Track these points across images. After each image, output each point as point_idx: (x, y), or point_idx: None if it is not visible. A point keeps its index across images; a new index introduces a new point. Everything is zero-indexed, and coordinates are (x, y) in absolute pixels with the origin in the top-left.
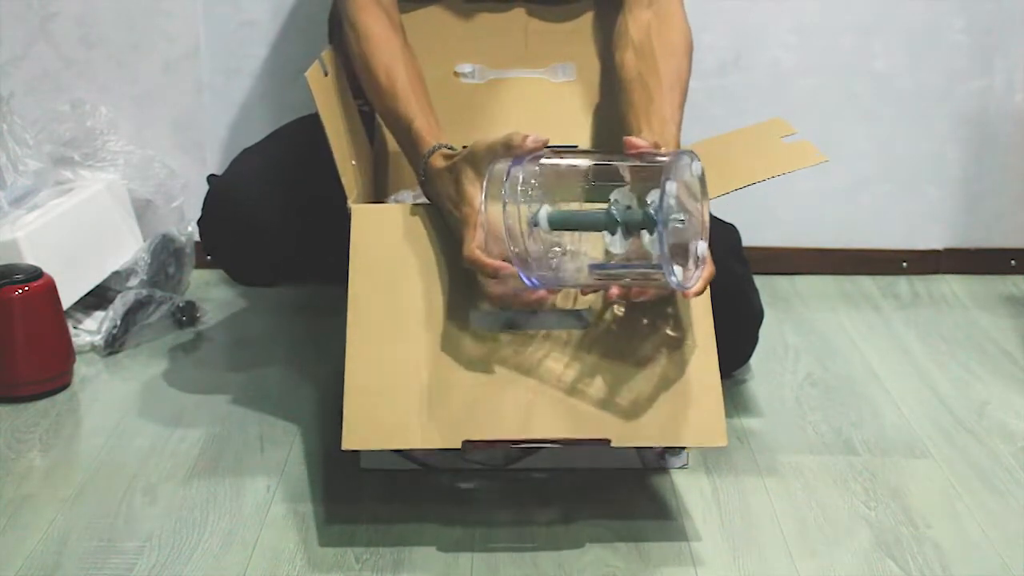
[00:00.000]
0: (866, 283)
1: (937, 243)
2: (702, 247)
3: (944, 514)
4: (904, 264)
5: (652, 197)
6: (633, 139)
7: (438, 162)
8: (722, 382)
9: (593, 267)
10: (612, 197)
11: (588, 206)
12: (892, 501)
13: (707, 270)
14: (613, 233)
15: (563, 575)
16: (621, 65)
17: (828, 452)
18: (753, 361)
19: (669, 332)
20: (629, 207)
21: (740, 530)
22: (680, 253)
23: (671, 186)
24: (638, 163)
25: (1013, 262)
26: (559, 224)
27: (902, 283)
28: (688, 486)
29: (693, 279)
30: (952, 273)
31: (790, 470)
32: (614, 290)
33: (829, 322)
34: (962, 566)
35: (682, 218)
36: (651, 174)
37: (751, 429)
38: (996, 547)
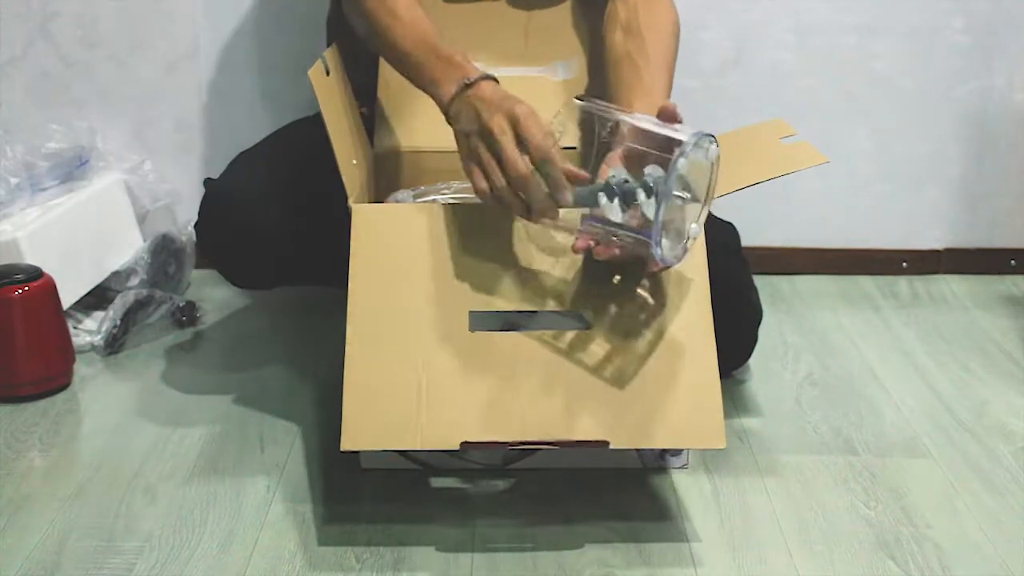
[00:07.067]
0: (866, 283)
1: (937, 243)
2: (694, 230)
3: (944, 514)
4: (904, 264)
5: (649, 170)
6: (671, 107)
7: (486, 91)
8: (722, 382)
9: (587, 219)
10: (611, 171)
11: None
12: (892, 501)
13: (697, 259)
14: (611, 200)
15: (563, 575)
16: (610, 46)
17: (828, 452)
18: (753, 361)
19: (668, 333)
20: (627, 180)
21: (740, 530)
22: (675, 232)
23: (683, 162)
24: (660, 130)
25: (1013, 262)
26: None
27: (902, 283)
28: (688, 486)
29: (674, 258)
30: (952, 273)
31: (790, 470)
32: (598, 248)
33: (829, 322)
34: (962, 566)
35: (684, 196)
36: (664, 145)
37: (751, 429)
38: (996, 547)
